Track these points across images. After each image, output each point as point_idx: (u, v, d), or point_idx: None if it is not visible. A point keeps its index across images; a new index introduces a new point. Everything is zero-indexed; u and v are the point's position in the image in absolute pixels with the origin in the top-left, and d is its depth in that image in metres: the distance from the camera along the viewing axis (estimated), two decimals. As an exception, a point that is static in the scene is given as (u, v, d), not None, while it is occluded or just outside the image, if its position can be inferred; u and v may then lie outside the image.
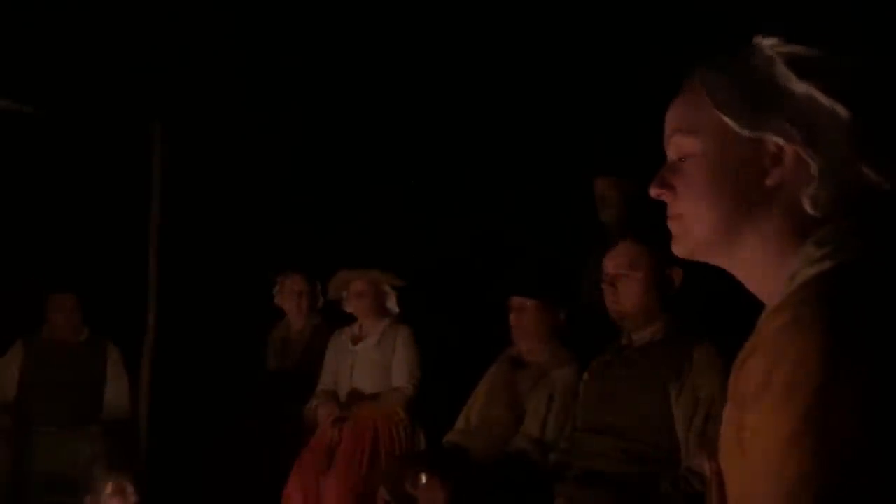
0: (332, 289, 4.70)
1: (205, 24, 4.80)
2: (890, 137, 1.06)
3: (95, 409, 4.95)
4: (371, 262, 4.56)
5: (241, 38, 4.97)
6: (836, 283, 0.99)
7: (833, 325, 0.93)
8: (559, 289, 3.84)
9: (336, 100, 5.41)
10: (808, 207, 1.05)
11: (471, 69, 5.07)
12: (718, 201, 1.09)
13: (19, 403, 4.91)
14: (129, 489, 3.36)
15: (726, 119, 1.08)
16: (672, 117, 1.15)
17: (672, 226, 1.15)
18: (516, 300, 3.74)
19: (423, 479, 3.26)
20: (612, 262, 2.98)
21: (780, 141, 1.06)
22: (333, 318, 4.81)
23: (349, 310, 4.62)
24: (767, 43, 1.10)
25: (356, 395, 4.47)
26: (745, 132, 1.07)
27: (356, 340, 4.57)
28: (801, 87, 1.06)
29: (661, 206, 1.17)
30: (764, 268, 1.09)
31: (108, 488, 3.66)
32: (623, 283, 2.94)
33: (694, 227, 1.12)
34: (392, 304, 4.54)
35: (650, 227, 2.80)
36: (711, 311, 3.08)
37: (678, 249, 1.15)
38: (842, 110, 1.04)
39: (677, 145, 1.13)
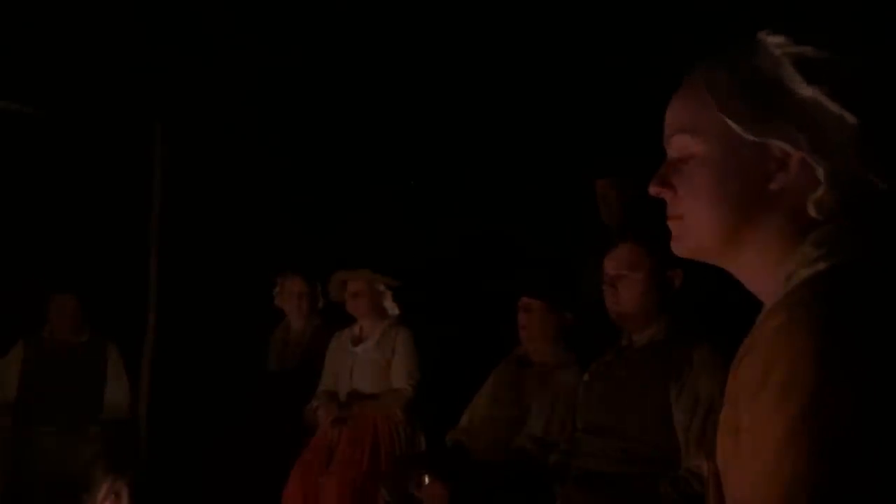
0: (331, 290, 4.70)
1: (205, 25, 4.81)
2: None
3: (95, 410, 4.95)
4: (370, 263, 4.55)
5: (241, 38, 4.97)
6: (833, 283, 0.99)
7: (828, 326, 0.93)
8: (567, 291, 3.84)
9: (337, 100, 5.41)
10: (811, 211, 1.05)
11: (471, 69, 5.07)
12: (722, 205, 1.08)
13: (19, 404, 4.91)
14: (124, 493, 3.36)
15: (731, 123, 1.07)
16: (674, 116, 1.13)
17: (672, 225, 1.14)
18: (524, 300, 3.75)
19: (426, 479, 3.26)
20: (613, 263, 2.98)
21: (787, 147, 1.05)
22: (335, 319, 4.81)
23: (349, 311, 4.62)
24: (773, 41, 1.07)
25: (356, 396, 4.47)
26: (751, 137, 1.06)
27: (356, 342, 4.57)
28: (808, 91, 1.04)
29: (661, 207, 1.16)
30: (764, 268, 1.09)
31: (103, 491, 3.65)
32: (623, 283, 2.94)
33: (696, 229, 1.11)
34: (390, 305, 4.54)
35: (650, 228, 2.80)
36: (711, 312, 3.08)
37: (678, 249, 1.15)
38: (850, 117, 1.03)
39: (679, 145, 1.12)
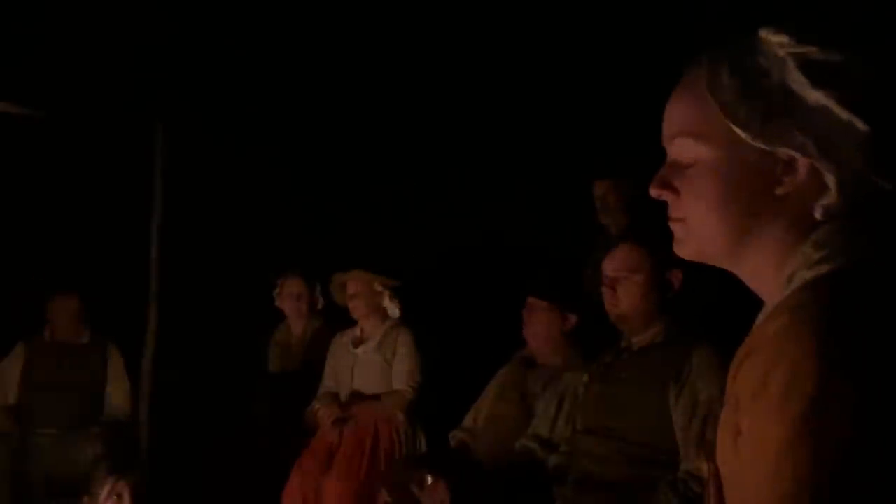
0: (333, 292, 4.70)
1: (206, 25, 4.80)
2: None
3: (96, 411, 4.95)
4: (365, 263, 4.54)
5: (242, 38, 4.97)
6: (835, 286, 0.98)
7: (830, 330, 0.93)
8: (572, 292, 3.83)
9: (338, 100, 5.41)
10: (818, 215, 1.04)
11: (472, 69, 5.07)
12: (727, 210, 1.06)
13: (21, 405, 4.91)
14: (126, 494, 3.35)
15: (737, 130, 1.05)
16: (676, 118, 1.11)
17: (675, 228, 1.13)
18: (530, 300, 3.75)
19: (429, 480, 3.26)
20: (612, 265, 2.97)
21: (795, 154, 1.03)
22: (336, 321, 4.80)
23: (350, 312, 4.62)
24: (777, 40, 1.05)
25: (357, 397, 4.47)
26: (758, 144, 1.04)
27: (357, 343, 4.56)
28: (815, 95, 1.02)
29: (660, 208, 1.15)
30: (767, 270, 1.08)
31: (105, 492, 3.65)
32: (622, 285, 2.94)
33: (701, 233, 1.09)
34: (390, 306, 4.52)
35: (650, 230, 2.80)
36: (711, 313, 3.08)
37: (682, 252, 1.13)
38: (859, 124, 1.01)
39: (682, 148, 1.10)
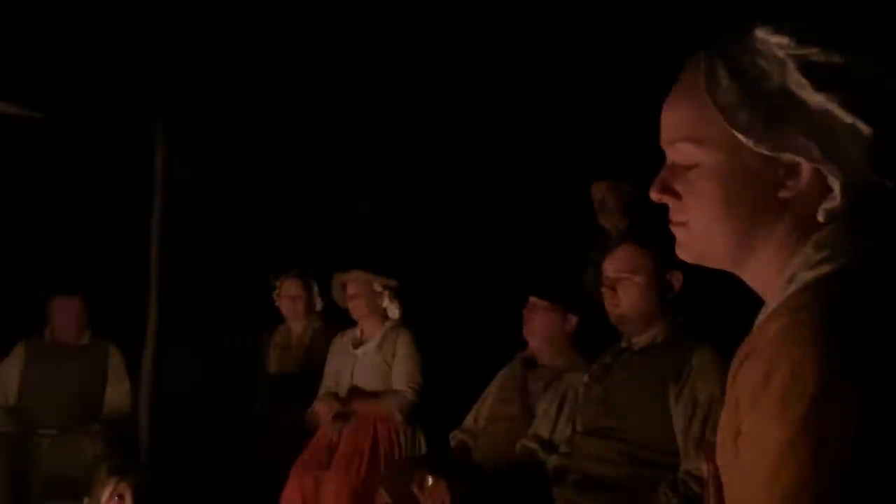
0: (335, 293, 4.69)
1: (206, 25, 4.80)
2: None
3: (97, 412, 4.94)
4: (369, 264, 4.54)
5: (241, 38, 4.97)
6: (836, 287, 0.98)
7: (831, 332, 0.93)
8: (573, 293, 3.83)
9: (338, 100, 5.41)
10: (821, 218, 1.03)
11: (472, 70, 5.07)
12: (729, 214, 1.06)
13: (21, 406, 4.90)
14: (128, 494, 3.35)
15: (740, 136, 1.04)
16: (675, 122, 1.10)
17: (676, 231, 1.12)
18: (531, 300, 3.75)
19: (430, 481, 3.26)
20: (612, 266, 2.97)
21: (798, 158, 1.02)
22: (336, 321, 4.80)
23: (350, 313, 4.62)
24: (775, 41, 1.04)
25: (357, 393, 4.46)
26: (760, 149, 1.03)
27: (357, 344, 4.56)
28: (817, 98, 1.01)
29: (660, 209, 1.15)
30: (769, 271, 1.07)
31: (107, 493, 3.65)
32: (623, 286, 2.94)
33: (703, 237, 1.09)
34: (390, 306, 4.51)
35: (650, 230, 2.80)
36: (711, 314, 3.08)
37: (684, 255, 1.13)
38: (863, 126, 1.00)
39: (683, 153, 1.09)
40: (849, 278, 0.99)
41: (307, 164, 5.64)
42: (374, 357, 4.47)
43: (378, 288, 4.50)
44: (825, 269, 1.00)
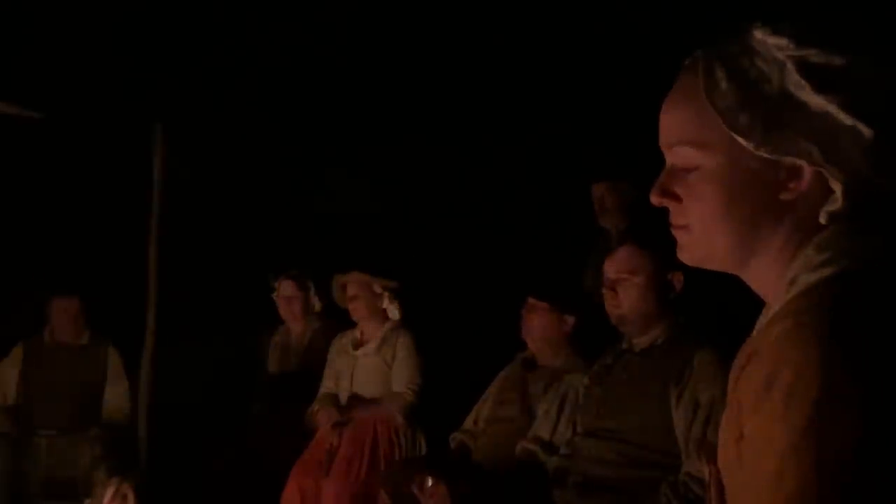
0: (335, 294, 4.69)
1: (205, 26, 4.80)
2: None
3: (96, 412, 4.94)
4: (368, 265, 4.53)
5: (241, 38, 4.96)
6: (838, 290, 0.97)
7: (834, 335, 0.92)
8: (571, 293, 3.82)
9: (338, 100, 5.40)
10: (822, 220, 1.02)
11: (472, 70, 5.06)
12: (731, 217, 1.05)
13: (20, 406, 4.90)
14: (131, 495, 3.35)
15: (740, 140, 1.03)
16: (674, 126, 1.09)
17: (677, 234, 1.11)
18: (530, 301, 3.74)
19: (430, 482, 3.25)
20: (613, 267, 2.97)
21: (800, 161, 1.02)
22: (337, 322, 4.79)
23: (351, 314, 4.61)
24: (774, 43, 1.03)
25: (356, 400, 4.46)
26: (761, 153, 1.02)
27: (357, 345, 4.55)
28: (817, 100, 1.00)
29: (660, 210, 1.14)
30: (771, 273, 1.06)
31: (110, 493, 3.64)
32: (623, 287, 2.93)
33: (705, 240, 1.08)
34: (390, 307, 4.50)
35: (650, 231, 2.79)
36: (712, 314, 3.07)
37: (685, 258, 1.12)
38: (864, 129, 0.99)
39: (683, 156, 1.08)
40: (851, 280, 0.98)
41: (307, 164, 5.64)
42: (374, 358, 4.46)
43: (378, 289, 4.49)
44: (827, 271, 1.00)
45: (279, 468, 4.31)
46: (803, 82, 1.01)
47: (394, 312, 4.51)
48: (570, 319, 3.70)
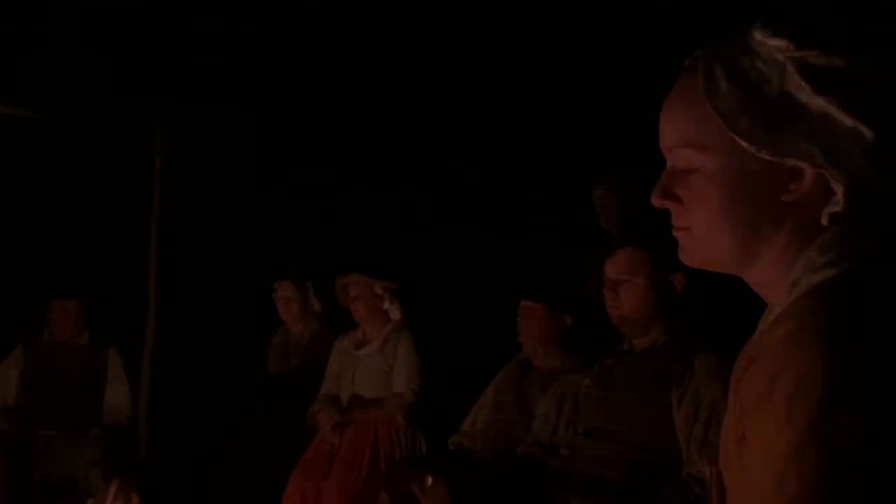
0: (338, 295, 4.69)
1: (205, 26, 4.79)
2: None
3: (96, 413, 4.93)
4: (367, 267, 4.53)
5: (241, 38, 4.96)
6: (841, 292, 0.97)
7: (837, 337, 0.92)
8: (567, 294, 3.81)
9: (338, 101, 5.40)
10: (824, 221, 1.02)
11: (473, 71, 5.06)
12: (732, 219, 1.04)
13: (20, 407, 4.90)
14: (134, 495, 3.35)
15: (741, 142, 1.02)
16: (674, 128, 1.08)
17: (679, 236, 1.10)
18: (525, 303, 3.73)
19: (430, 480, 3.25)
20: (614, 268, 2.96)
21: (801, 163, 1.01)
22: (337, 322, 4.79)
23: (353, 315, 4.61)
24: (775, 44, 1.02)
25: (357, 401, 4.46)
26: (762, 154, 1.02)
27: (359, 345, 4.55)
28: (818, 102, 1.00)
29: (661, 211, 1.13)
30: (773, 275, 1.06)
31: (112, 493, 3.65)
32: (624, 288, 2.93)
33: (706, 242, 1.07)
34: (391, 308, 4.50)
35: (651, 232, 2.79)
36: (713, 315, 3.07)
37: (687, 260, 1.12)
38: (865, 129, 0.99)
39: (683, 158, 1.07)
40: (854, 282, 0.98)
41: (307, 165, 5.64)
42: (375, 359, 4.46)
43: (378, 290, 4.48)
44: (830, 272, 1.00)
45: (279, 469, 4.30)
46: (804, 84, 1.01)
47: (395, 313, 4.50)
48: (567, 320, 3.69)
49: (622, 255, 2.96)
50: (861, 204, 1.01)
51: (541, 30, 4.86)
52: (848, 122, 1.00)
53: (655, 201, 1.11)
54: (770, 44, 1.03)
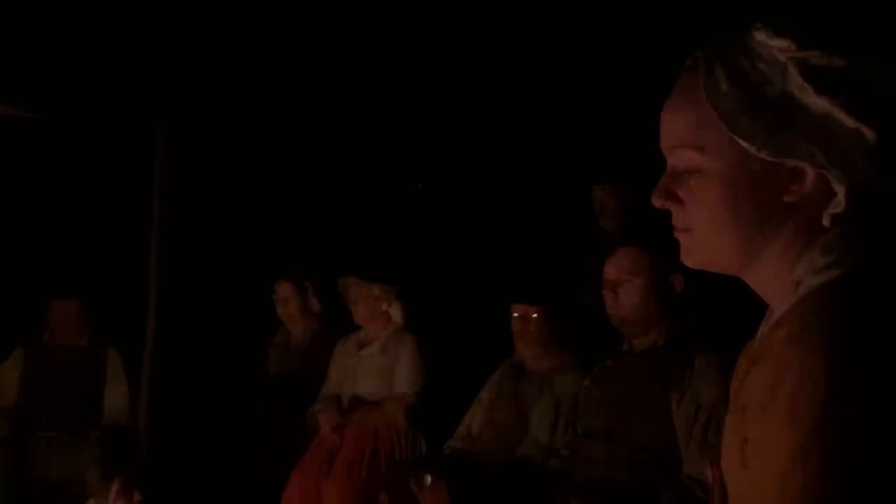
0: (344, 296, 4.68)
1: (206, 26, 4.79)
2: None
3: (96, 414, 4.93)
4: (364, 270, 4.52)
5: (241, 39, 4.96)
6: (844, 293, 0.97)
7: (840, 339, 0.92)
8: (562, 294, 3.81)
9: (339, 101, 5.40)
10: (826, 223, 1.02)
11: (472, 73, 5.06)
12: (734, 220, 1.04)
13: (19, 408, 4.89)
14: (136, 494, 3.35)
15: (742, 143, 1.02)
16: (675, 128, 1.08)
17: (681, 238, 1.10)
18: (519, 307, 3.71)
19: (429, 479, 3.25)
20: (613, 269, 2.96)
21: (803, 164, 1.01)
22: (337, 323, 4.79)
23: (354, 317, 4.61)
24: (776, 44, 1.02)
25: (358, 401, 4.45)
26: (763, 155, 1.02)
27: (361, 346, 4.55)
28: (819, 102, 1.00)
29: (661, 212, 1.13)
30: (776, 277, 1.06)
31: (114, 492, 3.64)
32: (624, 289, 2.93)
33: (708, 243, 1.07)
34: (392, 310, 4.49)
35: (651, 233, 2.79)
36: (713, 316, 3.07)
37: (689, 261, 1.11)
38: (866, 130, 0.99)
39: (684, 159, 1.07)
40: (857, 283, 0.98)
41: (307, 165, 5.64)
42: (377, 359, 4.46)
43: (376, 293, 4.48)
44: (833, 273, 0.99)
45: (279, 469, 4.30)
46: (805, 84, 1.01)
47: (396, 315, 4.49)
48: (558, 320, 3.68)
49: (622, 255, 2.96)
50: (863, 204, 1.01)
51: (540, 31, 4.86)
52: (849, 122, 0.99)
53: (656, 202, 1.11)
54: (771, 44, 1.03)
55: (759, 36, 1.04)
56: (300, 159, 5.63)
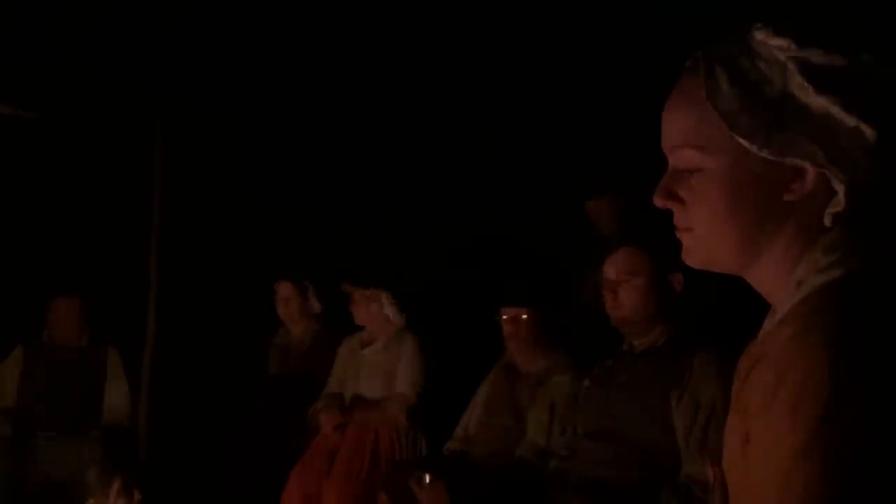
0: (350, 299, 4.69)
1: (206, 26, 4.79)
2: None
3: (96, 413, 4.93)
4: (357, 276, 4.53)
5: (242, 39, 4.96)
6: (846, 293, 0.97)
7: (843, 339, 0.92)
8: (553, 295, 3.80)
9: (339, 102, 5.40)
10: (827, 222, 1.02)
11: (470, 75, 5.06)
12: (735, 219, 1.04)
13: (19, 408, 4.89)
14: (136, 493, 3.36)
15: (743, 142, 1.02)
16: (676, 128, 1.08)
17: (682, 237, 1.11)
18: (509, 310, 3.70)
19: (428, 479, 3.25)
20: (613, 269, 2.96)
21: (803, 163, 1.01)
22: (337, 324, 4.79)
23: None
24: (776, 44, 1.02)
25: (360, 401, 4.46)
26: (764, 154, 1.02)
27: (364, 345, 4.56)
28: (819, 101, 1.00)
29: (659, 212, 1.13)
30: (778, 276, 1.06)
31: (115, 490, 3.64)
32: (624, 289, 2.92)
33: (709, 242, 1.07)
34: (391, 312, 4.49)
35: (650, 233, 2.79)
36: (713, 315, 3.07)
37: (690, 261, 1.12)
38: (866, 129, 0.99)
39: (685, 159, 1.07)
40: (859, 283, 0.98)
41: (307, 166, 5.63)
42: (380, 358, 4.46)
43: (371, 296, 4.48)
44: (835, 273, 0.99)
45: (279, 468, 4.30)
46: (805, 83, 1.01)
47: (395, 317, 4.49)
48: (550, 320, 3.67)
49: (622, 255, 2.96)
50: (863, 203, 1.01)
51: (540, 32, 4.86)
52: (850, 121, 0.99)
53: (658, 202, 1.11)
54: (771, 44, 1.03)
55: (759, 35, 1.04)
56: (300, 159, 5.63)
